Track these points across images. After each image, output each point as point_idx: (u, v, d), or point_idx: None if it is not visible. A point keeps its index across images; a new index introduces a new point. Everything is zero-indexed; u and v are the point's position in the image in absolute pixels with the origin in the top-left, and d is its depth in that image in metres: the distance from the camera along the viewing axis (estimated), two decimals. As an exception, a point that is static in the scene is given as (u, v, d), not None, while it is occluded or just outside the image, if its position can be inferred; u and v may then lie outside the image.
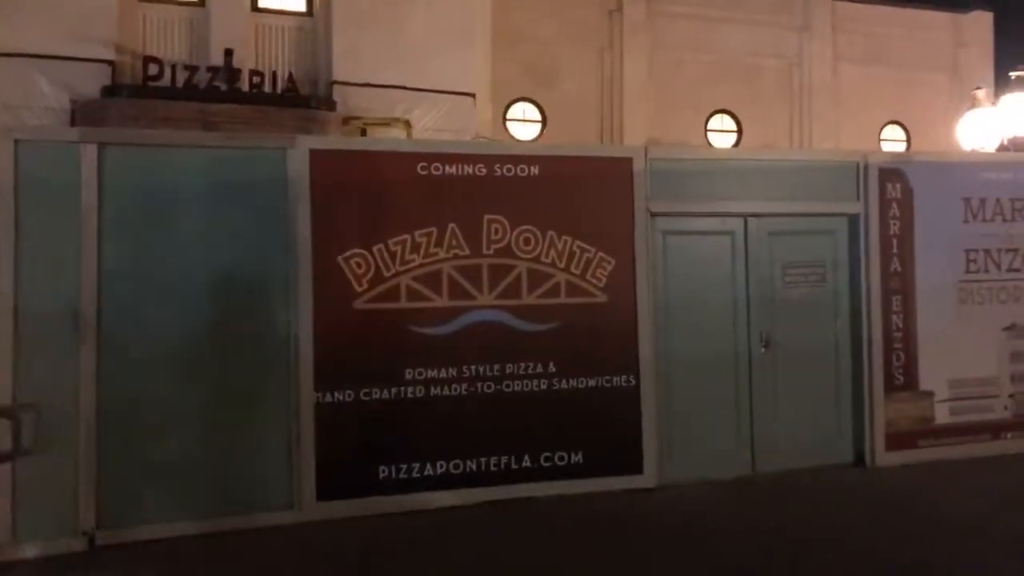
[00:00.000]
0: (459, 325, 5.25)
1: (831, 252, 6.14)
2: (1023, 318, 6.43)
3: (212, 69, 9.04)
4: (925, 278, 6.19)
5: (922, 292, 6.18)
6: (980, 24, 17.90)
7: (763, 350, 5.94)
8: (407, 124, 6.63)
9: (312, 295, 4.98)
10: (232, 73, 9.04)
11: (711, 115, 16.27)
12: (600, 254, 5.52)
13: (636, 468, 5.52)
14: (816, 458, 5.99)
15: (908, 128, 17.29)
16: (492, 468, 5.28)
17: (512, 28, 13.92)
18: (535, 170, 5.45)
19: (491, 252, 5.33)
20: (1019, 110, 7.62)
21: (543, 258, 5.42)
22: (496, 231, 5.35)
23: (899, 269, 6.15)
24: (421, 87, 9.88)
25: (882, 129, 17.29)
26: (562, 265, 5.46)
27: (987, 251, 6.38)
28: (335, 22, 9.83)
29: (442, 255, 5.24)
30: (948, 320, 6.23)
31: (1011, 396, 6.40)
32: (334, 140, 5.22)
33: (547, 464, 5.38)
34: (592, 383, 5.47)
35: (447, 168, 5.29)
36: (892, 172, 6.19)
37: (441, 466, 5.20)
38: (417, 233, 5.19)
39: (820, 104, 16.84)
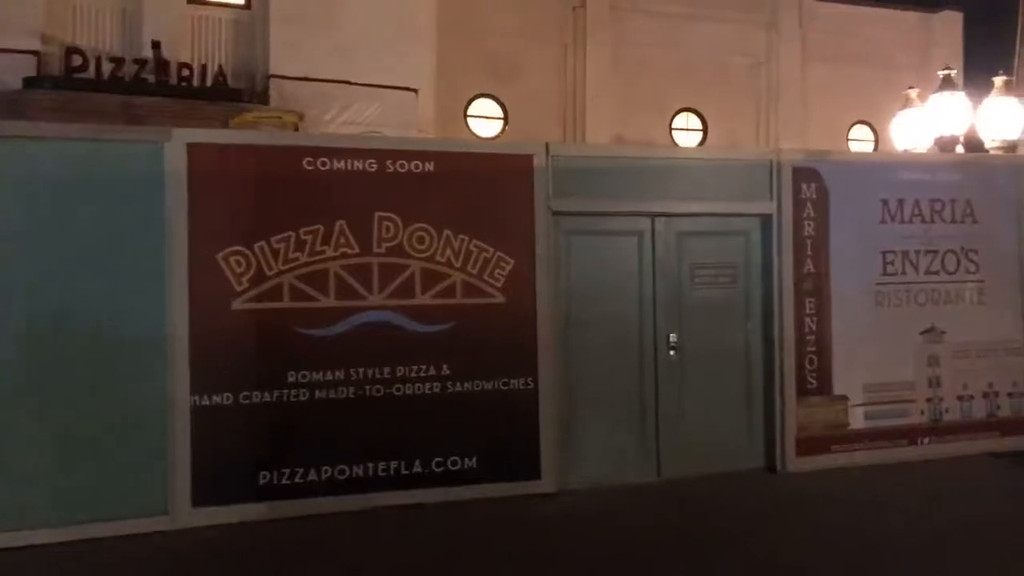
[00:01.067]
0: (346, 326, 5.09)
1: (743, 253, 6.01)
2: (942, 321, 6.32)
3: (139, 61, 8.83)
4: (840, 280, 6.06)
5: (837, 294, 6.05)
6: (950, 24, 17.82)
7: (671, 353, 5.80)
8: (299, 118, 6.46)
9: (188, 294, 4.81)
10: (160, 66, 8.84)
11: (676, 113, 16.16)
12: (499, 254, 5.37)
13: (534, 473, 5.37)
14: (726, 463, 5.85)
15: (876, 128, 17.20)
16: (380, 473, 5.13)
17: (473, 23, 13.76)
18: (430, 166, 5.29)
19: (382, 251, 5.17)
20: (947, 110, 7.51)
21: (438, 257, 5.27)
22: (387, 229, 5.19)
23: (813, 270, 6.02)
24: (361, 82, 9.71)
25: (850, 129, 17.21)
26: (458, 265, 5.30)
27: (905, 253, 6.26)
28: (273, 15, 9.64)
29: (329, 253, 5.08)
30: (864, 323, 6.11)
31: (928, 401, 6.29)
32: (213, 134, 5.05)
33: (439, 469, 5.23)
34: (488, 386, 5.32)
35: (335, 163, 5.12)
36: (807, 172, 6.06)
37: (326, 471, 5.04)
38: (302, 231, 5.02)
39: (787, 103, 16.73)
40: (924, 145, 7.96)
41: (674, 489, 5.61)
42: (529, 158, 5.48)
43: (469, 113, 14.67)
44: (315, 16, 9.59)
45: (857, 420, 6.08)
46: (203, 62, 9.24)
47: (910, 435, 6.23)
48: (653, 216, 5.82)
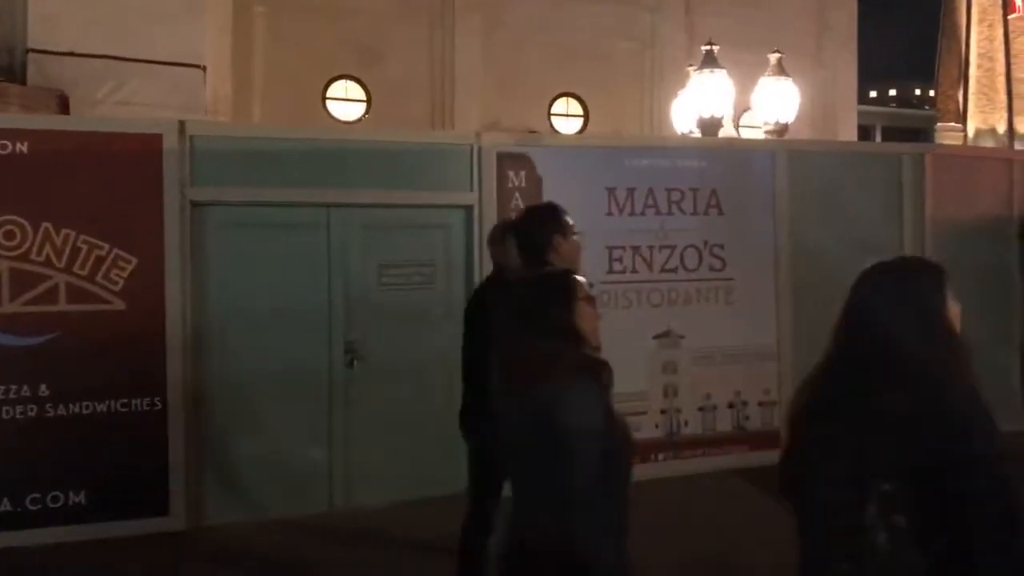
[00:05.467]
0: (-94, 339, 4.26)
1: (442, 249, 5.29)
2: (680, 324, 5.68)
3: None
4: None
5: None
6: (843, 7, 17.35)
7: (353, 364, 5.06)
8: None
9: None
10: None
11: (555, 98, 15.45)
12: (116, 251, 4.56)
13: (160, 509, 4.60)
14: (420, 490, 5.13)
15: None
16: (-45, 514, 4.32)
17: (333, 0, 12.90)
18: (23, 147, 4.44)
19: (-44, 249, 4.34)
20: (708, 89, 6.89)
21: (34, 256, 4.44)
22: (-36, 223, 4.35)
23: (522, 269, 5.31)
24: (137, 58, 8.75)
25: (741, 115, 16.65)
26: (61, 265, 4.48)
27: (636, 248, 5.59)
28: (33, -18, 8.63)
29: None
30: (586, 328, 5.42)
31: (663, 412, 5.65)
32: None
33: (36, 507, 4.42)
34: (102, 408, 4.52)
35: None
36: (515, 157, 5.34)
37: None
38: None
39: (673, 88, 16.03)
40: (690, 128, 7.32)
41: (348, 520, 4.90)
42: (157, 138, 4.67)
43: (329, 95, 13.82)
44: (83, -16, 8.62)
45: (577, 437, 5.40)
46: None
47: (642, 452, 5.57)
48: (329, 207, 5.06)
